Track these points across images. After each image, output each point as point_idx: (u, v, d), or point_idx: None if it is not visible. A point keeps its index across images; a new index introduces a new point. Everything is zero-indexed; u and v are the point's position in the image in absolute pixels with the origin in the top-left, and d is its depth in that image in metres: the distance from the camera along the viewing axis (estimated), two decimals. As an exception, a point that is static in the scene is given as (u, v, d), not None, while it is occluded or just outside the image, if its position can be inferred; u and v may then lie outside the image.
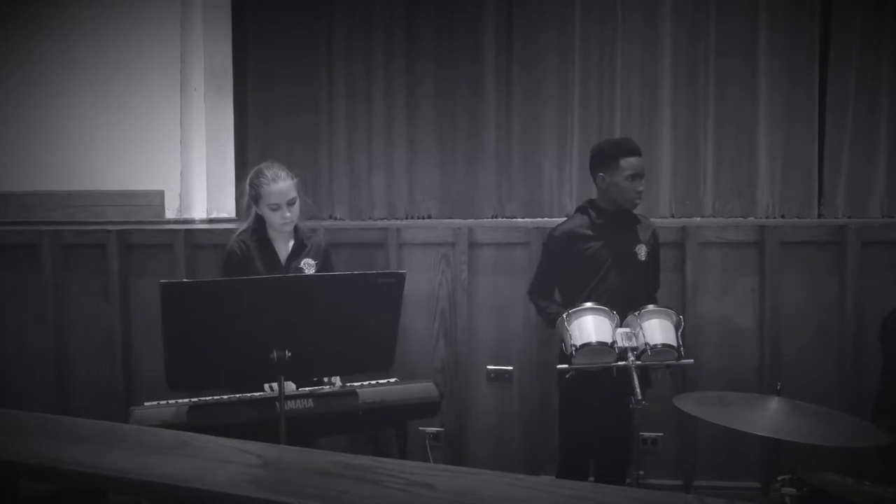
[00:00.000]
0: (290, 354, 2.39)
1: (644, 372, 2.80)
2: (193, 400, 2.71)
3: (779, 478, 2.36)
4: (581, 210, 3.17)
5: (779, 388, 2.47)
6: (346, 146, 4.64)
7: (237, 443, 1.43)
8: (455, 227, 3.92)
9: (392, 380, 2.94)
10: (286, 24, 4.65)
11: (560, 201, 4.48)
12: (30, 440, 1.50)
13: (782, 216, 4.30)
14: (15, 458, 1.41)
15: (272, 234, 3.05)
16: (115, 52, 4.34)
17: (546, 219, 4.30)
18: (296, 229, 3.08)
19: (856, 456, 3.37)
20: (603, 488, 1.29)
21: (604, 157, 3.06)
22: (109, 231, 4.01)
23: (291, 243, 3.08)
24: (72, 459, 1.38)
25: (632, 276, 3.06)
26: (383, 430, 3.09)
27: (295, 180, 3.00)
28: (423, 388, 2.93)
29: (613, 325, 2.78)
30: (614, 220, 3.08)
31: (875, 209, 4.25)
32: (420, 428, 3.73)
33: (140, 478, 1.30)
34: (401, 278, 2.54)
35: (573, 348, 2.74)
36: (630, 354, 2.70)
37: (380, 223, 4.31)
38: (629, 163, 2.99)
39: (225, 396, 2.75)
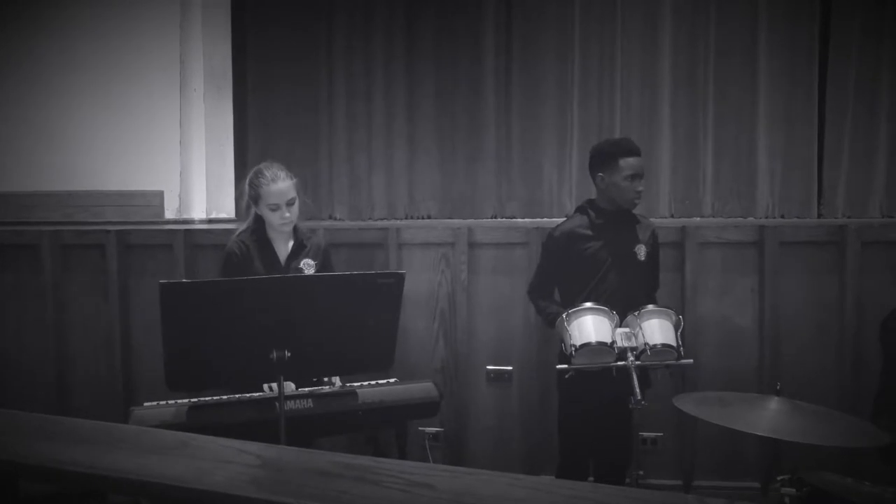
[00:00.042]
0: (289, 355, 2.39)
1: (644, 372, 2.80)
2: (193, 400, 2.71)
3: (778, 478, 2.36)
4: (580, 210, 3.17)
5: (778, 388, 2.47)
6: (346, 146, 4.64)
7: (236, 443, 1.43)
8: (455, 227, 3.92)
9: (392, 380, 2.94)
10: (286, 24, 4.64)
11: (560, 201, 4.48)
12: (30, 440, 1.50)
13: (782, 216, 4.30)
14: (15, 459, 1.41)
15: (272, 234, 3.05)
16: (115, 52, 4.34)
17: (546, 219, 4.30)
18: (295, 229, 3.08)
19: (855, 456, 3.38)
20: (602, 488, 1.29)
21: (603, 157, 3.07)
22: (109, 231, 4.01)
23: (291, 243, 3.08)
24: (71, 460, 1.38)
25: (631, 276, 3.06)
26: (383, 430, 3.09)
27: (294, 180, 3.00)
28: (422, 388, 2.93)
29: (613, 325, 2.78)
30: (614, 220, 3.08)
31: (875, 209, 4.25)
32: (420, 428, 3.73)
33: (139, 478, 1.30)
34: (400, 278, 2.54)
35: (573, 348, 2.74)
36: (629, 354, 2.70)
37: (379, 223, 4.30)
38: (628, 163, 3.00)
39: (224, 397, 2.75)
